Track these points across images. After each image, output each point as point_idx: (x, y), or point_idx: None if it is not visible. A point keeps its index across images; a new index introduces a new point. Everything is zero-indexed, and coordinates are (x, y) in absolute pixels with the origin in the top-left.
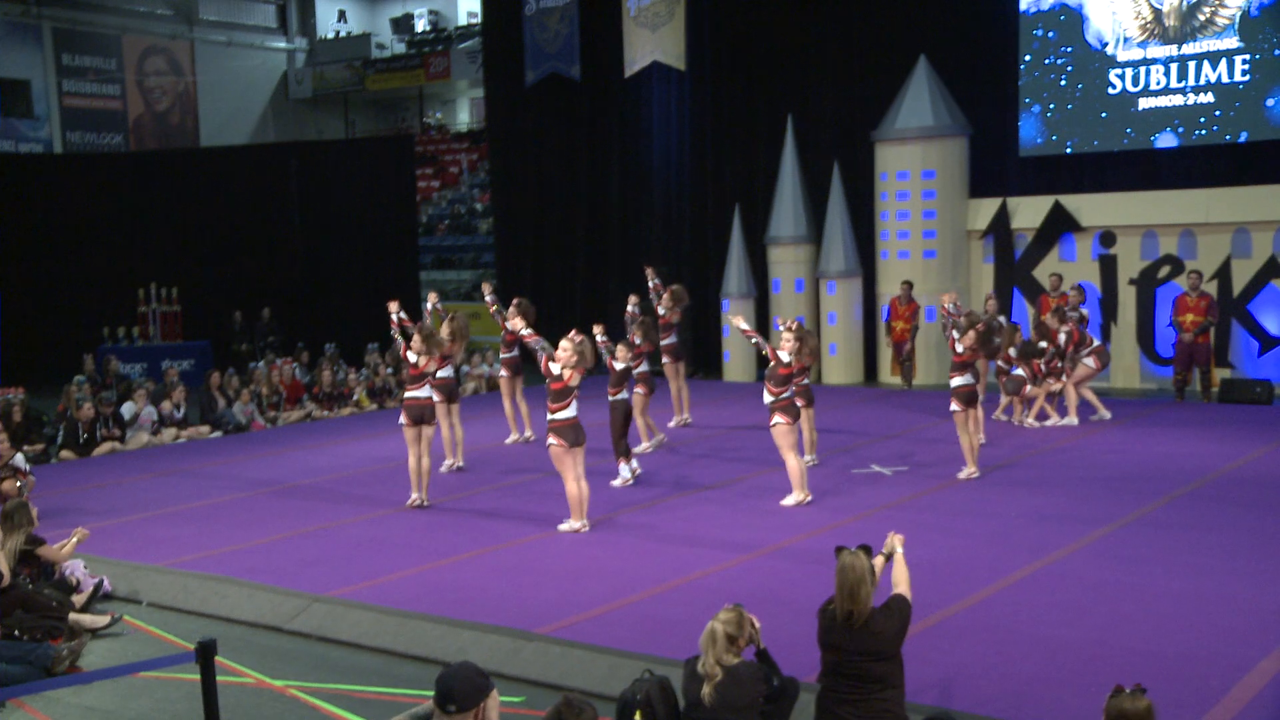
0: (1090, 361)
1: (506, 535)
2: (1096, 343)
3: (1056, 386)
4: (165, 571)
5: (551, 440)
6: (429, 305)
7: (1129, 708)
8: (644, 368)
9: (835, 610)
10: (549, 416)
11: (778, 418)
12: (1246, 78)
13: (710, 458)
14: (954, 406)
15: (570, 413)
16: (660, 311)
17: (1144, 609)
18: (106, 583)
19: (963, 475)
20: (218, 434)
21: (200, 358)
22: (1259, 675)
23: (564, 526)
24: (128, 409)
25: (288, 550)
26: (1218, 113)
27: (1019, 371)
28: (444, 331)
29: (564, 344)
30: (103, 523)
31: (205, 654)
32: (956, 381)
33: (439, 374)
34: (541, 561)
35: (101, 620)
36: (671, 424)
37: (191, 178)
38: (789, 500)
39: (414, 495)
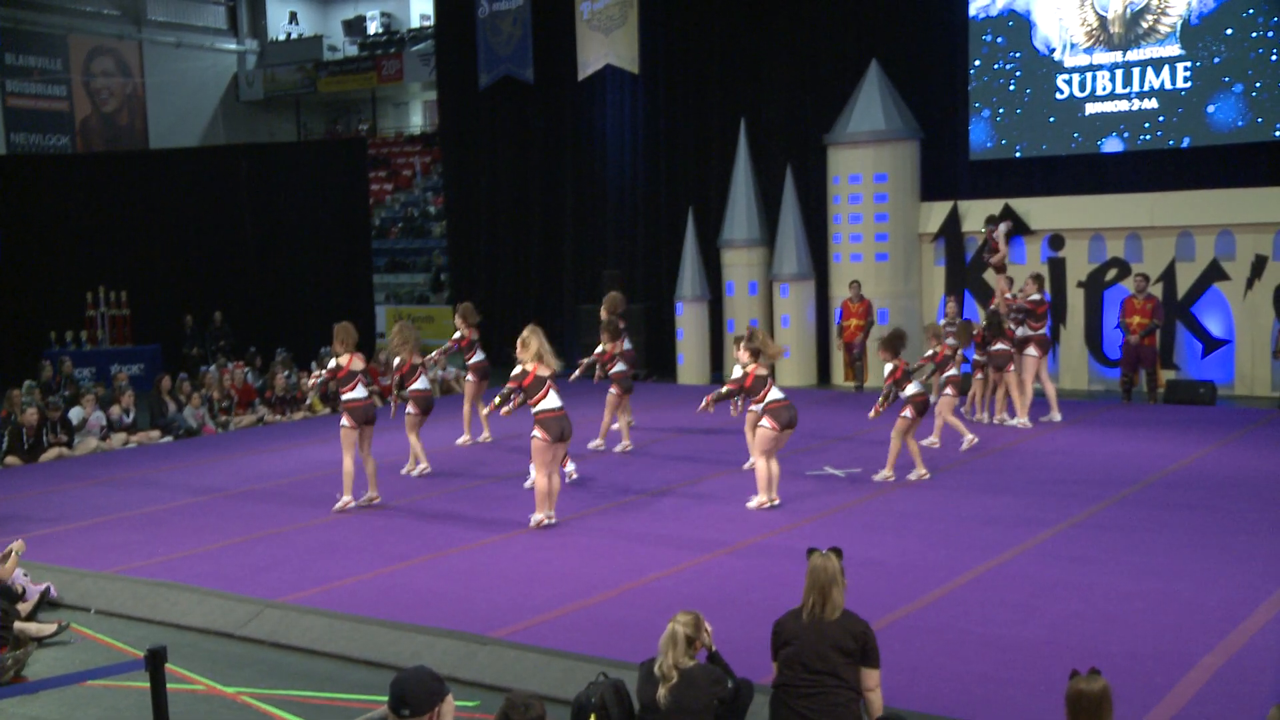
0: (1032, 350)
1: (460, 539)
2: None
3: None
4: (114, 578)
5: (536, 433)
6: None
7: (1086, 689)
8: (619, 367)
9: (802, 611)
10: (533, 410)
11: (766, 421)
12: (1188, 84)
13: (664, 460)
14: (908, 414)
15: (552, 403)
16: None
17: (1091, 608)
18: (53, 590)
19: (913, 476)
20: (168, 439)
21: (150, 362)
22: (1202, 671)
23: (535, 519)
24: (75, 414)
25: (239, 556)
26: (1161, 118)
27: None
28: (394, 341)
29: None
30: (50, 529)
31: (155, 661)
32: (911, 390)
33: (415, 386)
34: (496, 565)
35: (48, 628)
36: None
37: (140, 180)
38: (753, 502)
39: (370, 493)
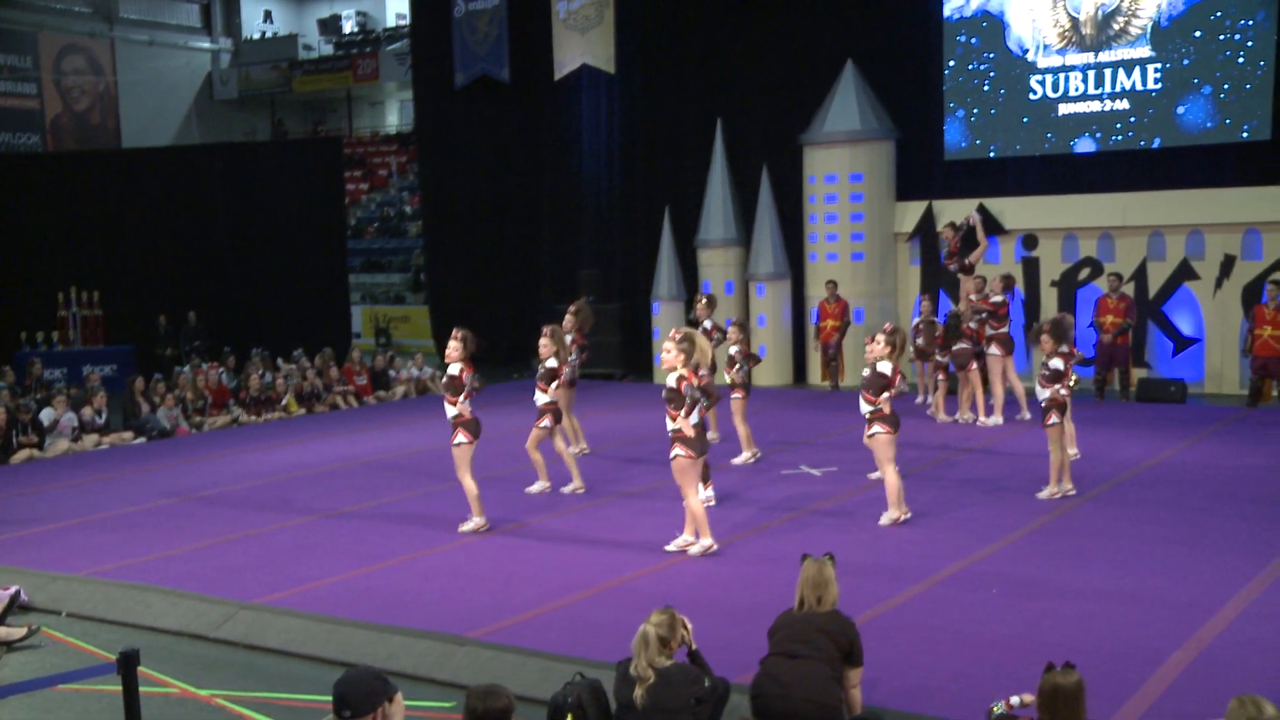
0: (995, 350)
1: (437, 540)
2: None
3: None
4: (86, 581)
5: (680, 451)
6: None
7: (1061, 682)
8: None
9: (796, 608)
10: (675, 425)
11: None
12: (1159, 86)
13: (640, 461)
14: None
15: (694, 417)
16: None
17: (1064, 605)
18: (23, 594)
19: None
20: (141, 440)
21: (123, 362)
22: (1172, 666)
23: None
24: (47, 415)
25: (214, 557)
26: (1133, 119)
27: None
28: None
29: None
30: (20, 532)
31: (127, 664)
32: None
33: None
34: (472, 566)
35: (18, 632)
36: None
37: (113, 179)
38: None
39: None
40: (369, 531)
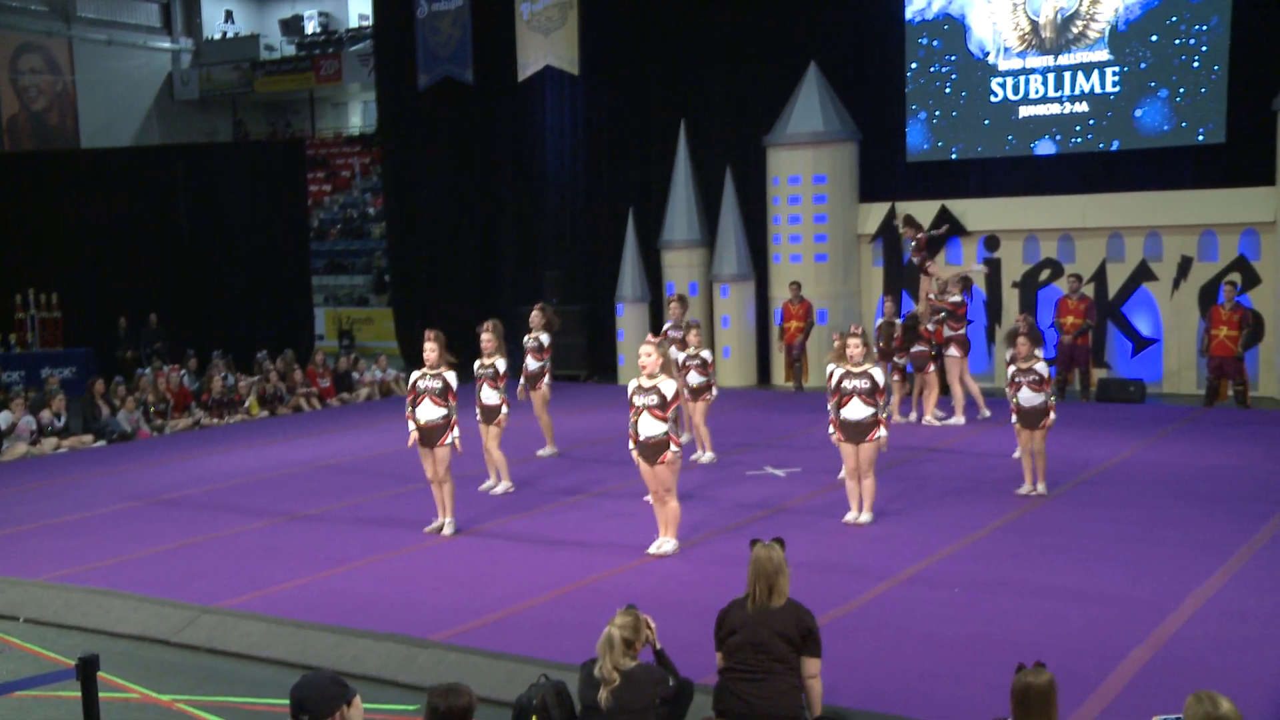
0: (954, 351)
1: (399, 542)
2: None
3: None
4: (45, 586)
5: (675, 447)
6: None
7: (1033, 681)
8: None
9: (747, 600)
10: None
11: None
12: (1117, 89)
13: (602, 462)
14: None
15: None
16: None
17: (1024, 604)
18: None
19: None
20: (101, 443)
21: (82, 365)
22: (1131, 663)
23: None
24: (4, 418)
25: (175, 561)
26: (1091, 121)
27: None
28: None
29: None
30: None
31: (87, 670)
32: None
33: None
34: (434, 568)
35: None
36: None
37: (72, 180)
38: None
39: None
40: (332, 534)
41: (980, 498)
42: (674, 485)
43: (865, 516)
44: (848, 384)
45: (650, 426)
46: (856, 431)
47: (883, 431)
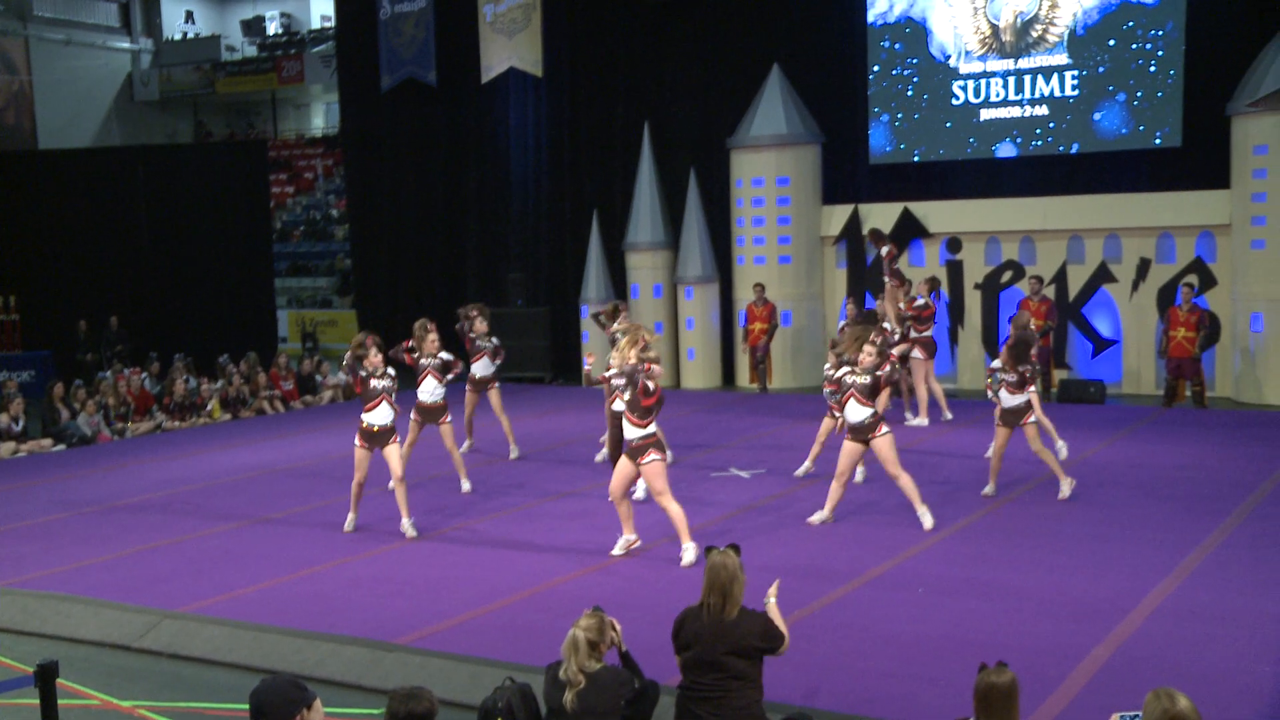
0: (917, 354)
1: (364, 546)
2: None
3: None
4: (3, 592)
5: (657, 455)
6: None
7: (996, 680)
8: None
9: (702, 609)
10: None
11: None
12: (1076, 92)
13: (566, 464)
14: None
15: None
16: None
17: (987, 604)
18: None
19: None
20: (61, 447)
21: (41, 368)
22: (1092, 661)
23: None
24: None
25: (136, 566)
26: (1051, 124)
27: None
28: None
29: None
30: None
31: (45, 677)
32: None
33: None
34: (398, 571)
35: None
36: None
37: (30, 181)
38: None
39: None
40: (295, 538)
41: (943, 498)
42: (662, 488)
43: (927, 518)
44: (849, 379)
45: (631, 430)
46: (857, 432)
47: (885, 429)
